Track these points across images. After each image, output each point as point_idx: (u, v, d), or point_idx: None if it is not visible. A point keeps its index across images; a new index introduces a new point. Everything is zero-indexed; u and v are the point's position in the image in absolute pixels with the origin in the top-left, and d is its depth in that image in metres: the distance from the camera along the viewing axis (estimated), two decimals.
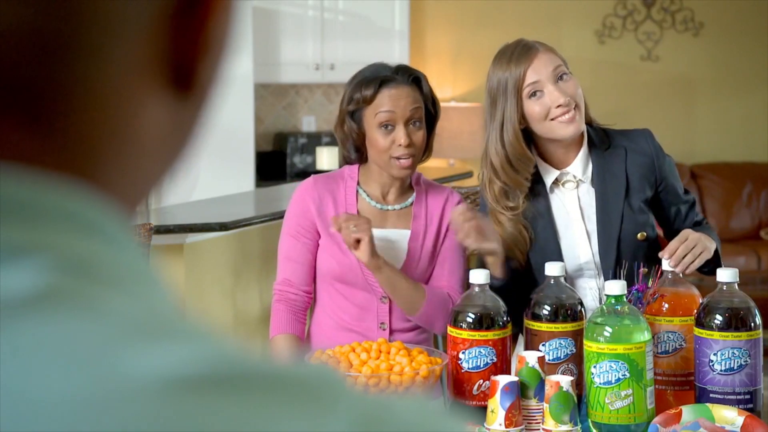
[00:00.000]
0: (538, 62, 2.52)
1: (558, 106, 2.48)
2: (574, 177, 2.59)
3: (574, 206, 2.59)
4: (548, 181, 2.59)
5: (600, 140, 2.61)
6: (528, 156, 2.54)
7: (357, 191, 2.65)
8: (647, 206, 2.59)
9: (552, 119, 2.50)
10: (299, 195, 2.66)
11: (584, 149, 2.59)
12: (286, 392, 0.37)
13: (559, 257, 2.53)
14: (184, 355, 0.37)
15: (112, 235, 0.42)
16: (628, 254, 2.51)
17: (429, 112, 2.65)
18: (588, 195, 2.59)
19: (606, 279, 2.48)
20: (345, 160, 2.71)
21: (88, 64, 0.42)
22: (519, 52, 2.54)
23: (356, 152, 2.64)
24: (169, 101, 0.45)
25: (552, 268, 2.33)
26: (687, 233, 2.40)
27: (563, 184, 2.60)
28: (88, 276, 0.40)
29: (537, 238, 2.58)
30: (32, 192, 0.41)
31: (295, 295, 2.63)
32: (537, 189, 2.60)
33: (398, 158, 2.55)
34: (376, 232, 2.61)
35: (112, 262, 0.41)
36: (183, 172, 0.49)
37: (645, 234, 2.52)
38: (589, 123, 2.61)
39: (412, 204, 2.67)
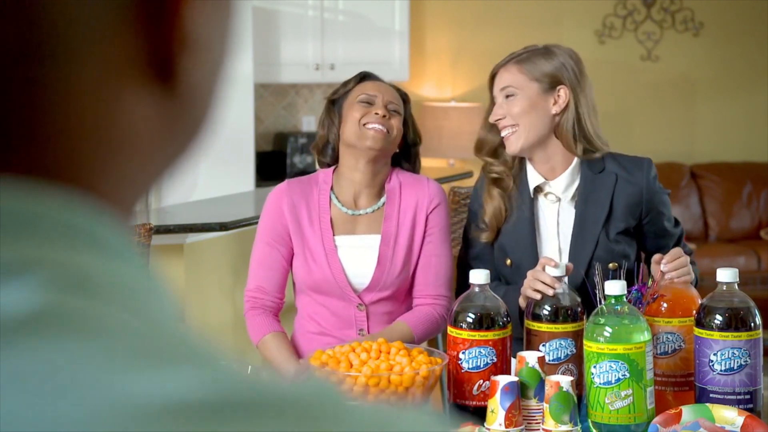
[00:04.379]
0: (497, 76, 2.63)
1: (496, 119, 2.60)
2: (555, 192, 2.60)
3: (552, 221, 2.60)
4: (531, 185, 2.61)
5: (594, 163, 2.60)
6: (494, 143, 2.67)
7: (330, 197, 2.65)
8: (627, 236, 2.58)
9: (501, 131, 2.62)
10: (273, 201, 2.67)
11: (572, 169, 2.59)
12: (289, 417, 0.37)
13: (535, 261, 2.51)
14: (183, 378, 0.36)
15: (111, 246, 0.41)
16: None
17: (406, 137, 2.71)
18: (567, 214, 2.59)
19: None
20: (323, 166, 2.74)
21: (60, 68, 0.41)
22: (501, 60, 2.65)
23: (333, 150, 2.68)
24: (152, 96, 0.44)
25: (553, 270, 2.33)
26: (686, 259, 2.38)
27: (545, 195, 2.62)
28: (88, 292, 0.39)
29: (516, 238, 2.60)
30: (25, 204, 0.40)
31: (270, 302, 2.64)
32: (522, 189, 2.61)
33: (371, 126, 2.59)
34: (347, 239, 2.63)
35: (112, 276, 0.40)
36: (183, 172, 0.49)
37: (617, 264, 2.50)
38: (594, 148, 2.60)
39: (383, 205, 2.67)
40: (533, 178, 2.61)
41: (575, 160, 2.59)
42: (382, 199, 2.67)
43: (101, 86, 0.42)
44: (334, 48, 5.83)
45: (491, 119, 2.61)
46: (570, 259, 2.54)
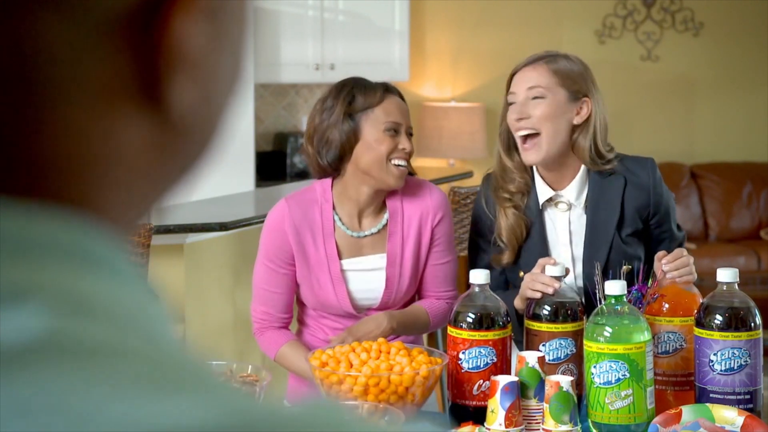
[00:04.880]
0: (521, 74, 2.54)
1: (515, 120, 2.51)
2: (567, 201, 2.56)
3: (563, 229, 2.57)
4: (541, 198, 2.56)
5: (601, 166, 2.56)
6: (510, 152, 2.57)
7: (333, 219, 2.57)
8: (636, 238, 2.57)
9: (517, 134, 2.52)
10: (275, 223, 2.57)
11: (581, 174, 2.56)
12: None
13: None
14: (190, 407, 0.36)
15: (112, 268, 0.41)
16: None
17: None
18: (579, 221, 2.57)
19: (586, 303, 2.48)
20: (318, 173, 2.60)
21: (50, 91, 0.40)
22: (525, 60, 2.56)
23: (338, 160, 2.53)
24: (145, 119, 0.43)
25: (553, 270, 2.33)
26: (688, 259, 2.37)
27: (556, 205, 2.58)
28: (90, 317, 0.38)
29: (529, 252, 2.55)
30: (24, 227, 0.39)
31: (278, 322, 2.62)
32: (531, 204, 2.57)
33: (398, 164, 2.51)
34: (353, 263, 2.58)
35: (114, 300, 0.40)
36: (184, 190, 0.48)
37: (630, 267, 2.47)
38: (603, 160, 2.55)
39: (387, 224, 2.60)
40: (543, 190, 2.56)
41: (582, 166, 2.56)
42: (385, 216, 2.60)
43: (92, 108, 0.42)
44: (334, 48, 5.83)
45: (512, 117, 2.51)
46: (584, 265, 2.53)
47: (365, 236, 2.59)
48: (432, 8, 6.57)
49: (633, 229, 2.55)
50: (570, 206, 2.57)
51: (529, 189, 2.57)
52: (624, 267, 2.44)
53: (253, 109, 5.26)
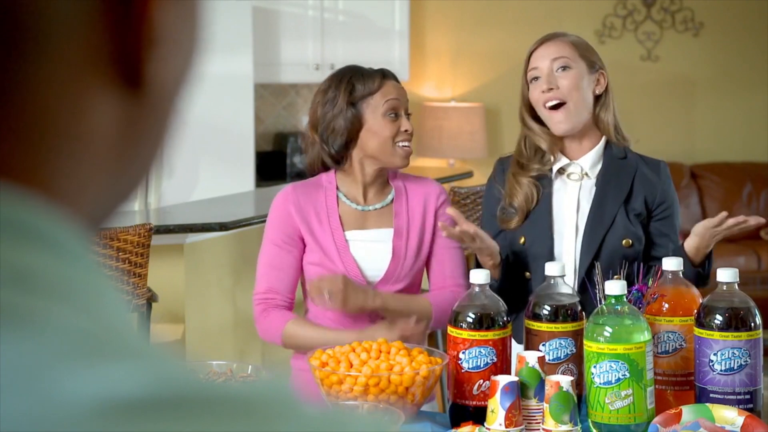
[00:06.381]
0: (542, 49, 2.60)
1: (542, 92, 2.56)
2: (582, 169, 2.62)
3: (572, 198, 2.62)
4: (555, 167, 2.63)
5: (618, 150, 2.65)
6: (532, 130, 2.63)
7: (337, 195, 2.66)
8: (640, 223, 2.61)
9: (545, 106, 2.58)
10: (280, 203, 2.66)
11: (599, 148, 2.63)
12: (228, 413, 0.36)
13: (550, 242, 2.58)
14: (123, 376, 0.36)
15: (60, 245, 0.41)
16: (606, 257, 2.52)
17: None
18: (588, 192, 2.62)
19: (580, 279, 2.52)
20: (322, 164, 2.68)
21: (25, 63, 0.40)
22: (539, 39, 2.63)
23: (344, 148, 2.61)
24: (118, 98, 0.43)
25: (552, 268, 2.33)
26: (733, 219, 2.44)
27: (568, 175, 2.63)
28: (31, 289, 0.38)
29: (534, 219, 2.61)
30: None
31: (282, 301, 2.62)
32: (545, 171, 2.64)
33: (403, 145, 2.60)
34: (358, 234, 2.64)
35: (59, 275, 0.40)
36: (153, 177, 0.48)
37: (630, 242, 2.54)
38: (622, 137, 2.65)
39: (392, 201, 2.69)
40: (557, 159, 2.63)
41: (602, 141, 2.63)
42: (390, 196, 2.69)
43: (67, 84, 0.41)
44: (334, 48, 5.83)
45: (540, 89, 2.57)
46: (586, 234, 2.58)
47: (369, 210, 2.67)
48: (432, 8, 6.57)
49: (638, 211, 2.61)
50: (583, 176, 2.62)
51: (555, 156, 2.62)
52: (624, 241, 2.50)
53: (253, 109, 5.26)
